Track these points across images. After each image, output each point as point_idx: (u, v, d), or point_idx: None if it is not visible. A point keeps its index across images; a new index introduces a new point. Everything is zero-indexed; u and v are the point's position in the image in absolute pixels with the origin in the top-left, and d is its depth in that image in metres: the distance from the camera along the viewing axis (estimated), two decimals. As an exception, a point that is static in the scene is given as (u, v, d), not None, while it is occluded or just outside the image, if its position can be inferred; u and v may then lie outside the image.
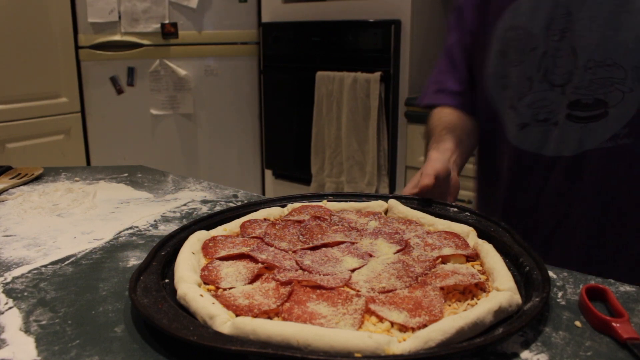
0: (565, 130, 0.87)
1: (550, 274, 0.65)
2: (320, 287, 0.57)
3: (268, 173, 2.97)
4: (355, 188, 2.49)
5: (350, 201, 0.84)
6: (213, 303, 0.53)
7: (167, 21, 2.61)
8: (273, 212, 0.80)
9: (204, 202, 0.96)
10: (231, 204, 0.94)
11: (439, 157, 0.87)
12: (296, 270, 0.62)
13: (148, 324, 0.52)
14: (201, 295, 0.54)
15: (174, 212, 0.91)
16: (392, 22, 2.32)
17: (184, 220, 0.87)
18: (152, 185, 1.08)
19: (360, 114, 2.41)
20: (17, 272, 0.68)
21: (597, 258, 0.91)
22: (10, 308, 0.59)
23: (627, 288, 0.62)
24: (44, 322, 0.55)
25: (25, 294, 0.62)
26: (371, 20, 2.39)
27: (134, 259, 0.72)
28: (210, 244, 0.68)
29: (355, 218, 0.78)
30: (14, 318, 0.56)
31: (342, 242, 0.69)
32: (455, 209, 0.80)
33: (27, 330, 0.54)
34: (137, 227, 0.84)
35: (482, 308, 0.50)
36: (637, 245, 0.89)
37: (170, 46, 2.66)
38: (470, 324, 0.48)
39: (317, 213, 0.78)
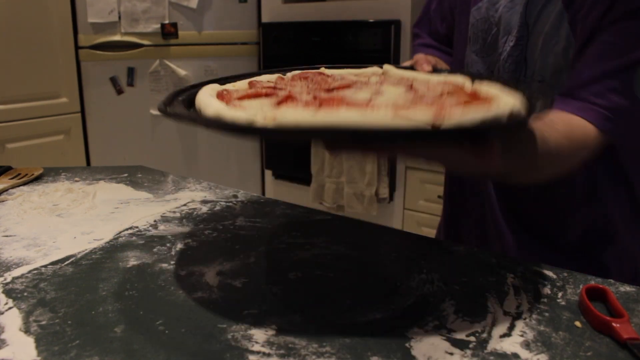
0: None
1: (550, 274, 0.65)
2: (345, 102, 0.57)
3: (268, 173, 2.97)
4: (355, 188, 2.49)
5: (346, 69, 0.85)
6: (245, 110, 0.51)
7: (167, 21, 2.61)
8: (274, 79, 0.78)
9: (204, 202, 0.96)
10: (231, 204, 0.94)
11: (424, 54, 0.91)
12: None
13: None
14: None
15: (174, 212, 0.91)
16: (392, 22, 2.32)
17: (184, 220, 0.87)
18: (152, 185, 1.08)
19: (360, 114, 2.41)
20: (17, 272, 0.68)
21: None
22: (10, 308, 0.59)
23: (627, 288, 0.62)
24: (43, 323, 0.55)
25: (25, 294, 0.62)
26: (371, 20, 2.39)
27: (134, 259, 0.72)
28: (225, 92, 0.66)
29: (356, 79, 0.77)
30: (13, 318, 0.56)
31: (352, 86, 0.68)
32: (448, 69, 0.84)
33: (27, 330, 0.54)
34: (137, 227, 0.84)
35: (499, 108, 0.53)
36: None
37: (170, 46, 2.66)
38: (492, 117, 0.51)
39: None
